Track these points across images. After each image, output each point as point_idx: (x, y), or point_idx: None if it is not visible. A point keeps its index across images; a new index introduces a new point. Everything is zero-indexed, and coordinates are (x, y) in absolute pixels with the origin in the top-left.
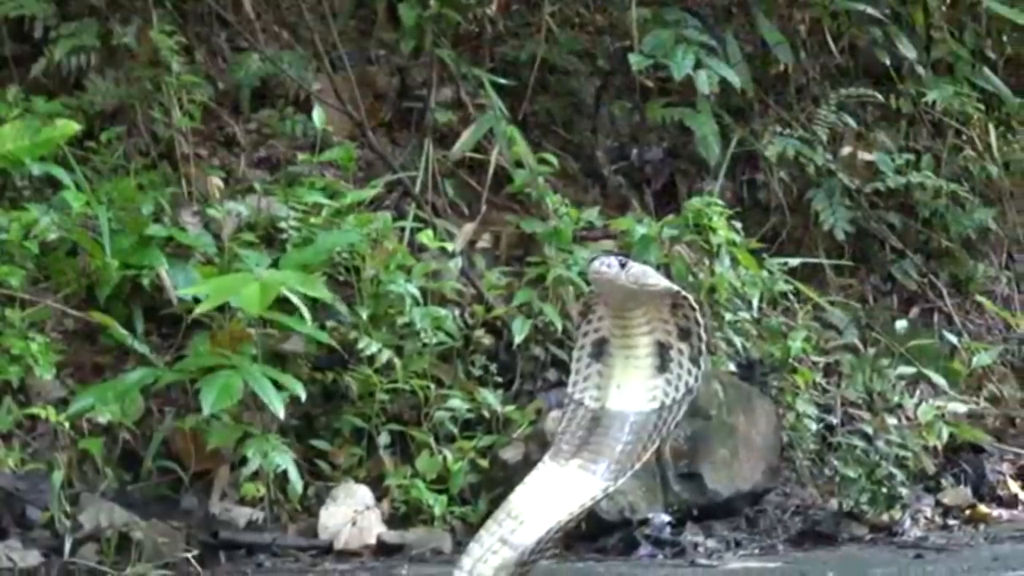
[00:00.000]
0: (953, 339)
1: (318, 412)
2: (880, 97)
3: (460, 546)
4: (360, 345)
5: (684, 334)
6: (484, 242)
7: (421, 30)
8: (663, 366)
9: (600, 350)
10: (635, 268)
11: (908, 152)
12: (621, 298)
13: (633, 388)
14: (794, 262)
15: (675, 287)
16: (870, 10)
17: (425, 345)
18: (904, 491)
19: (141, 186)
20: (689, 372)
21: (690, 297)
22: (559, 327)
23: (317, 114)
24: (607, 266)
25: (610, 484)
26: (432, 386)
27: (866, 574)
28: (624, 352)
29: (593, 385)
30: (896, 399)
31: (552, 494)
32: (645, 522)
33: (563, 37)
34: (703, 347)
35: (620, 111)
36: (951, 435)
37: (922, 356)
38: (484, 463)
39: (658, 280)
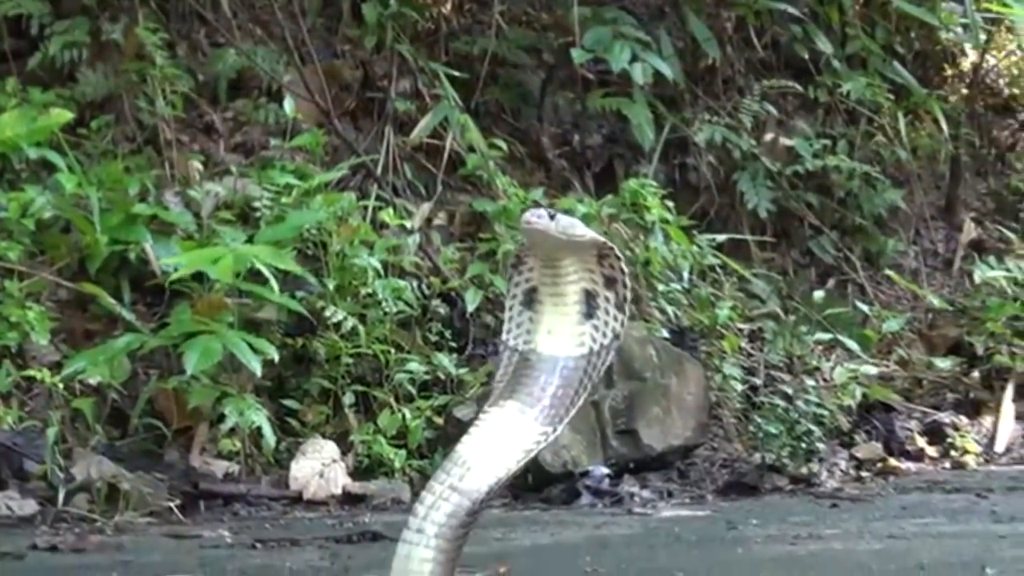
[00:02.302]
0: (865, 308)
1: (289, 374)
2: (799, 88)
3: (418, 496)
4: (327, 313)
5: (610, 283)
6: (440, 220)
7: (382, 27)
8: (590, 313)
9: (531, 299)
10: (563, 219)
11: (825, 138)
12: (550, 248)
13: (563, 334)
14: (721, 238)
15: (600, 238)
16: (790, 9)
17: (386, 313)
18: (821, 446)
19: (128, 169)
20: (615, 319)
21: (615, 247)
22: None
23: (288, 103)
24: (537, 217)
25: (549, 430)
26: (392, 351)
27: (786, 521)
28: (553, 300)
29: (525, 331)
30: (814, 362)
31: (496, 441)
32: (586, 474)
33: (512, 33)
34: (627, 294)
35: (563, 101)
36: (864, 395)
37: (837, 323)
38: (440, 421)
39: (585, 231)
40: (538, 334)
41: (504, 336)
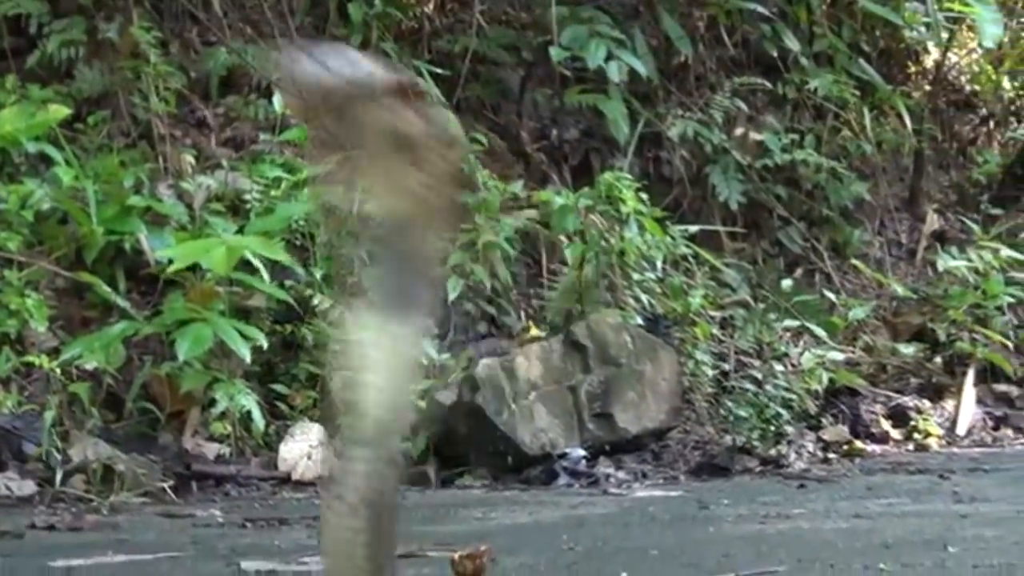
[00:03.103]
0: (832, 296)
1: (278, 360)
2: (769, 84)
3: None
4: (315, 301)
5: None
6: None
7: (368, 26)
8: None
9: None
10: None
11: (793, 133)
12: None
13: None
14: (693, 229)
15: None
16: (760, 8)
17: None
18: (789, 429)
19: (123, 163)
20: None
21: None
22: (488, 285)
23: (276, 100)
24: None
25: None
26: None
27: (756, 501)
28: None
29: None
30: (782, 348)
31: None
32: (563, 456)
33: (492, 32)
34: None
35: (542, 97)
36: (830, 380)
37: (805, 311)
38: (423, 404)
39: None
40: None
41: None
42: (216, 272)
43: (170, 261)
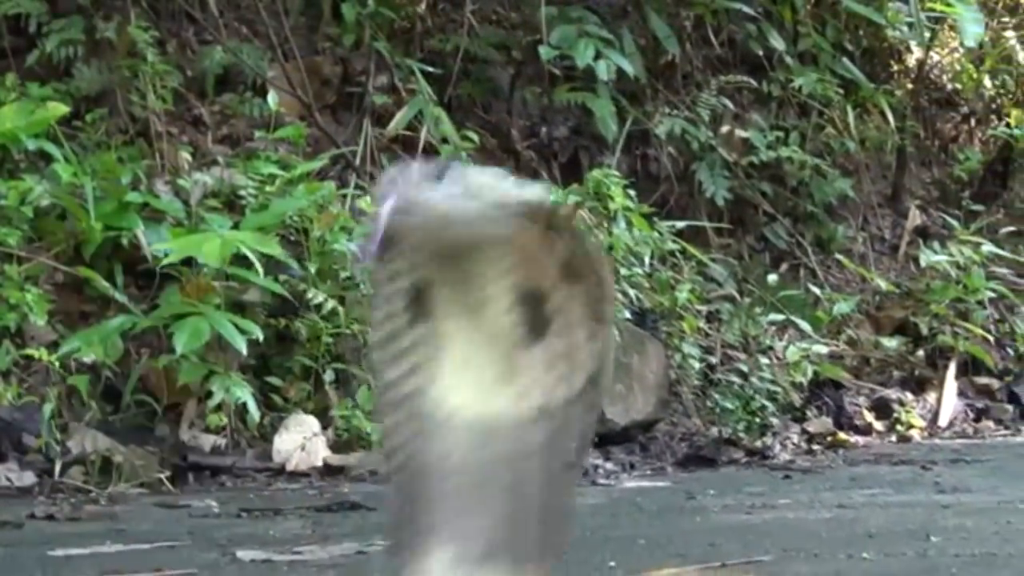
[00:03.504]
0: (817, 291)
1: (272, 353)
2: (754, 83)
3: None
4: (309, 295)
5: (572, 274)
6: None
7: (361, 26)
8: (539, 331)
9: (421, 306)
10: (466, 175)
11: (778, 130)
12: (452, 236)
13: (486, 372)
14: (680, 225)
15: (543, 197)
16: (746, 8)
17: (364, 295)
18: (775, 421)
19: (121, 159)
20: (593, 336)
21: (575, 207)
22: None
23: (271, 98)
24: (408, 183)
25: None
26: (370, 330)
27: (742, 492)
28: (462, 310)
29: (417, 369)
30: (768, 342)
31: None
32: None
33: (483, 32)
34: (607, 291)
35: (531, 95)
36: (815, 373)
37: (790, 305)
38: None
39: (510, 192)
40: (443, 377)
41: (386, 373)
42: (211, 265)
43: (166, 255)
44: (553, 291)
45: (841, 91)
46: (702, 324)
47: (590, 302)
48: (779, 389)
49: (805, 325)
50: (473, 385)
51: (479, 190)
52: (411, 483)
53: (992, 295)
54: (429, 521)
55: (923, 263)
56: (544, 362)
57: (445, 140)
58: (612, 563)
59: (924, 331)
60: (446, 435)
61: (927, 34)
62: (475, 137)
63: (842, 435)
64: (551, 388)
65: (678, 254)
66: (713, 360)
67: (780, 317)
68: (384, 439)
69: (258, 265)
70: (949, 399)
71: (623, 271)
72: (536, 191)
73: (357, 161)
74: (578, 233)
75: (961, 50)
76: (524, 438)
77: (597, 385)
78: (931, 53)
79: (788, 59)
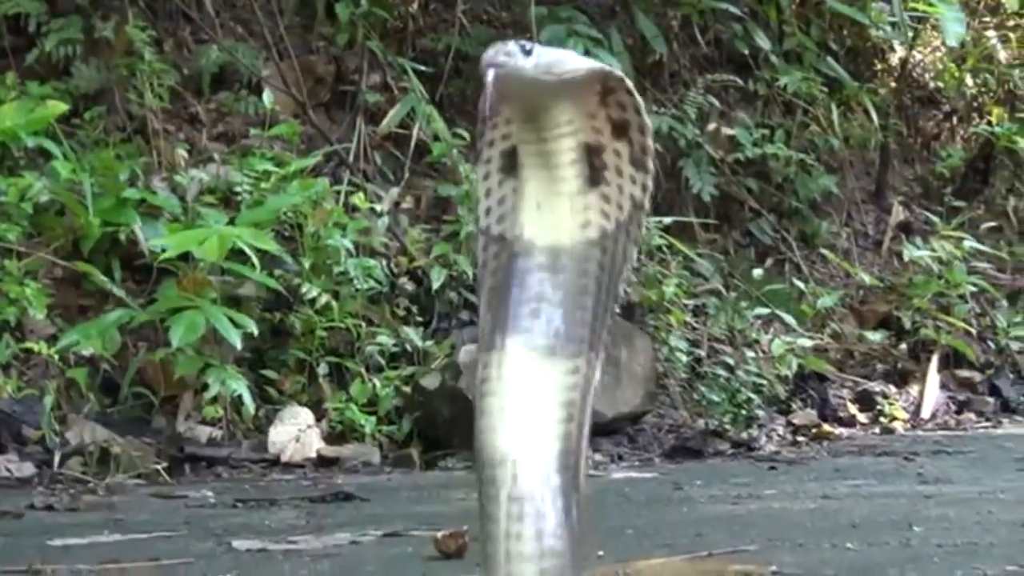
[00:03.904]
0: (801, 285)
1: (267, 346)
2: (740, 81)
3: (387, 459)
4: (303, 290)
5: (620, 130)
6: (407, 203)
7: (354, 25)
8: (595, 177)
9: (511, 163)
10: (546, 53)
11: (763, 128)
12: (531, 95)
13: (559, 210)
14: (668, 220)
15: (604, 66)
16: (732, 8)
17: (357, 290)
18: (760, 413)
19: (118, 157)
20: (633, 180)
21: (626, 79)
22: (470, 275)
23: (266, 96)
24: (506, 54)
25: (578, 363)
26: (363, 325)
27: (728, 483)
28: (540, 162)
29: (508, 210)
30: (753, 335)
31: (521, 408)
32: None
33: (474, 31)
34: (648, 143)
35: None
36: (799, 366)
37: (775, 299)
38: (407, 389)
39: (579, 63)
40: (525, 213)
41: (482, 223)
42: (208, 260)
43: (163, 250)
44: (606, 146)
45: (825, 89)
46: (689, 318)
47: (635, 154)
48: (764, 382)
49: (790, 319)
50: (546, 222)
51: (557, 62)
52: (495, 297)
53: (973, 290)
54: (507, 324)
55: (906, 258)
56: (599, 202)
57: (437, 137)
58: (601, 552)
59: (907, 325)
60: (525, 259)
61: (910, 33)
62: (466, 134)
63: (826, 427)
64: (604, 221)
65: (665, 249)
66: (700, 353)
67: (765, 311)
68: (478, 267)
69: (255, 260)
70: (931, 392)
71: None
72: (596, 63)
73: (350, 158)
74: (627, 98)
75: (943, 49)
76: (583, 260)
77: (639, 220)
78: (914, 52)
79: (773, 58)
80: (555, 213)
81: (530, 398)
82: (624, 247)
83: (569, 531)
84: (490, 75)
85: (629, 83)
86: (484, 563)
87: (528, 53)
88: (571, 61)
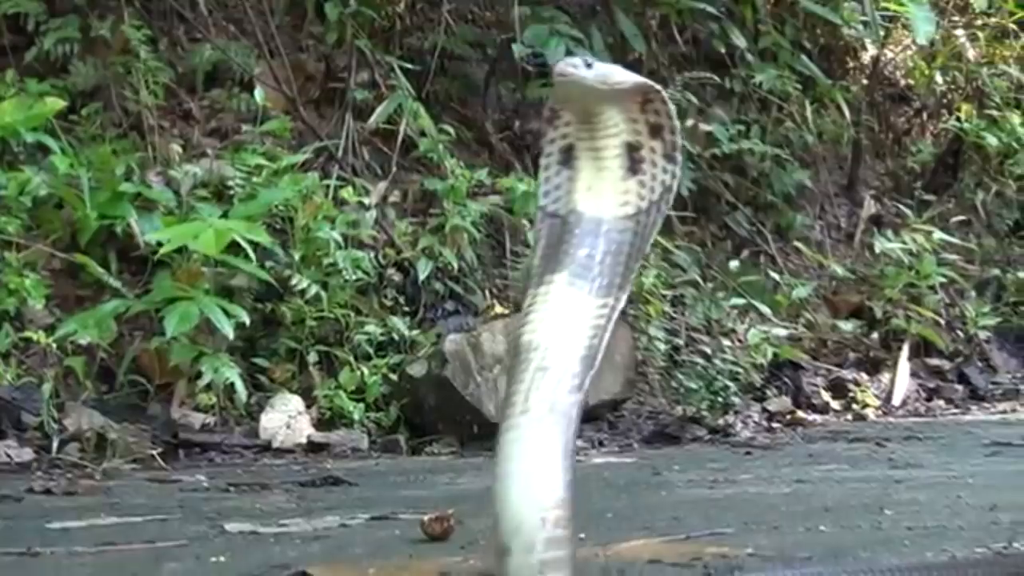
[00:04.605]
0: (776, 276)
1: (259, 336)
2: (717, 79)
3: (374, 445)
4: (293, 281)
5: (655, 131)
6: (394, 197)
7: (343, 24)
8: (634, 168)
9: (567, 157)
10: (601, 67)
11: (740, 124)
12: (587, 100)
13: (605, 192)
14: None
15: (646, 80)
16: (709, 8)
17: (346, 281)
18: (736, 400)
19: (115, 152)
20: (664, 170)
21: (662, 91)
22: (455, 266)
23: (258, 93)
24: (572, 66)
25: (609, 301)
26: (352, 314)
27: (705, 467)
28: (592, 156)
29: (564, 193)
30: (730, 325)
31: (559, 321)
32: None
33: (459, 30)
34: (677, 141)
35: (505, 90)
36: (774, 354)
37: (751, 290)
38: (394, 377)
39: (625, 76)
40: (577, 194)
41: (541, 202)
42: (207, 254)
43: (159, 243)
44: (644, 143)
45: (800, 87)
46: (667, 308)
47: (667, 150)
48: (740, 370)
49: (765, 309)
50: (594, 201)
51: (610, 74)
52: (549, 254)
53: (943, 280)
54: (557, 271)
55: (877, 250)
56: (636, 187)
57: (423, 133)
58: (582, 535)
59: (878, 315)
60: (576, 227)
61: (881, 32)
62: (451, 130)
63: (800, 413)
64: (639, 202)
65: None
66: (678, 342)
67: (741, 301)
68: (535, 234)
69: (251, 253)
70: (902, 379)
71: None
72: (640, 78)
73: (339, 153)
74: (662, 106)
75: (913, 48)
76: (620, 229)
77: (668, 199)
78: (885, 50)
79: (749, 56)
80: (601, 194)
81: (567, 317)
82: (654, 219)
83: (580, 395)
84: (559, 82)
85: (665, 94)
86: (503, 415)
87: (589, 66)
88: (620, 74)
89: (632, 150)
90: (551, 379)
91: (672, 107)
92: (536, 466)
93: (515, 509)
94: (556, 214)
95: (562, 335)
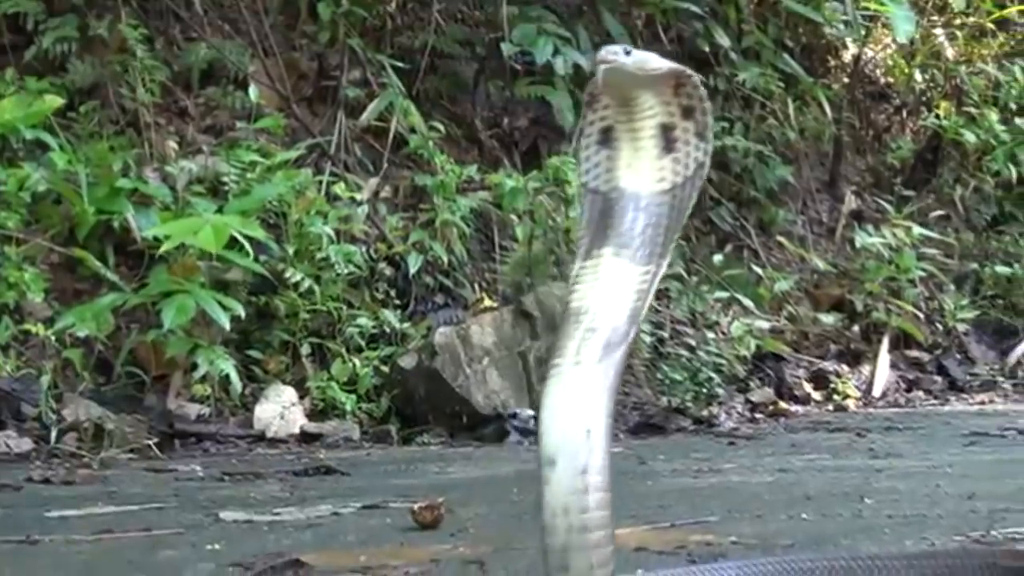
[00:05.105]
0: (759, 270)
1: (253, 328)
2: (701, 77)
3: (366, 435)
4: (287, 275)
5: (687, 112)
6: (385, 193)
7: (335, 24)
8: (669, 146)
9: (606, 137)
10: (638, 54)
11: (723, 121)
12: (626, 85)
13: (642, 170)
14: None
15: (679, 66)
16: (693, 8)
17: (338, 275)
18: (720, 391)
19: (112, 148)
20: (697, 147)
21: (694, 75)
22: (445, 260)
23: (252, 91)
24: (613, 54)
25: (651, 267)
26: (344, 307)
27: (690, 457)
28: (630, 137)
29: (604, 170)
30: (714, 318)
31: (605, 287)
32: (514, 416)
33: (449, 29)
34: (708, 121)
35: (494, 88)
36: (757, 346)
37: (734, 283)
38: (385, 369)
39: (660, 63)
40: (617, 171)
41: (583, 179)
42: (207, 250)
43: (156, 239)
44: (678, 124)
45: (782, 84)
46: (652, 301)
47: (699, 129)
48: (724, 361)
49: (748, 302)
50: (633, 178)
51: (647, 60)
52: (593, 226)
53: (922, 274)
54: (603, 242)
55: (858, 244)
56: (671, 164)
57: (413, 130)
58: None
59: (859, 308)
60: (617, 203)
61: (862, 31)
62: (441, 127)
63: (783, 404)
64: (675, 177)
65: None
66: (663, 335)
67: (725, 294)
68: (580, 209)
69: (248, 247)
70: (882, 371)
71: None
72: (674, 64)
73: (332, 150)
74: (693, 90)
75: (893, 46)
76: (658, 204)
77: (701, 174)
78: (866, 49)
79: (733, 55)
80: (640, 172)
81: (614, 284)
82: (689, 192)
83: (627, 345)
84: (601, 69)
85: (696, 78)
86: (551, 372)
87: (628, 54)
88: (656, 61)
89: (666, 130)
90: (600, 337)
91: (703, 90)
92: (583, 390)
93: (562, 424)
94: (598, 190)
95: (609, 300)
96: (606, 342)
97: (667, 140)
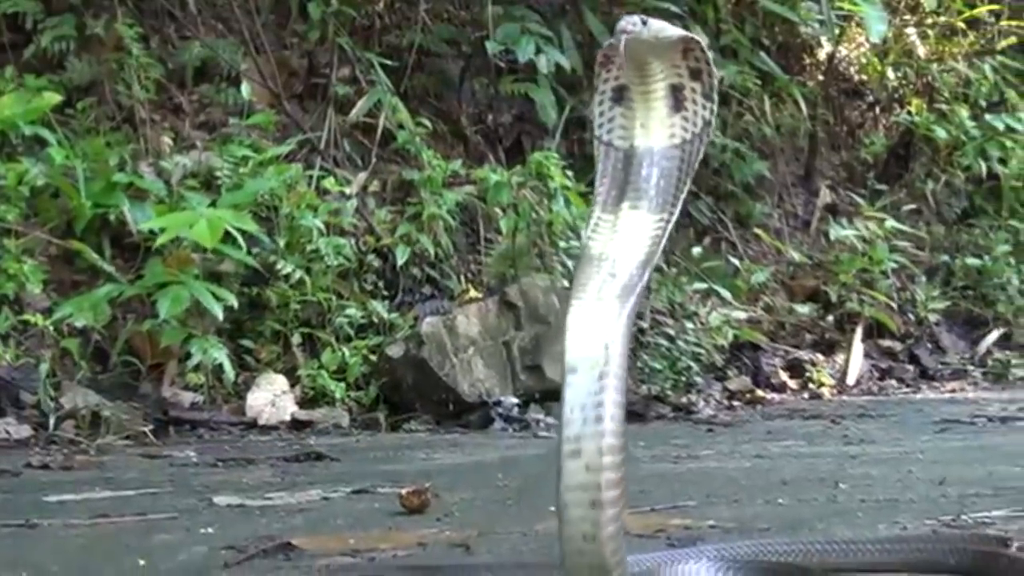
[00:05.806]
0: (736, 262)
1: (245, 318)
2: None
3: (355, 422)
4: (278, 266)
5: (695, 74)
6: (374, 187)
7: (325, 23)
8: (678, 106)
9: (620, 95)
10: (654, 23)
11: None
12: (643, 51)
13: (654, 128)
14: None
15: (688, 33)
16: (672, 7)
17: (328, 267)
18: (699, 379)
19: (108, 144)
20: (704, 107)
21: (701, 41)
22: (432, 252)
23: (244, 88)
24: (632, 24)
25: (665, 216)
26: (334, 298)
27: (669, 444)
28: (643, 97)
29: (619, 127)
30: (692, 308)
31: (623, 236)
32: (499, 404)
33: (435, 28)
34: (714, 82)
35: (479, 86)
36: (735, 336)
37: (712, 275)
38: (374, 358)
39: (674, 31)
40: (632, 129)
41: (597, 132)
42: (202, 243)
43: (151, 232)
44: (686, 85)
45: (759, 82)
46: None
47: (705, 90)
48: (703, 351)
49: (726, 293)
50: (646, 135)
51: (662, 29)
52: (610, 177)
53: (895, 266)
54: (619, 194)
55: (832, 237)
56: (681, 122)
57: (401, 126)
58: (552, 508)
59: (833, 298)
60: (630, 157)
61: (836, 30)
62: (428, 123)
63: (759, 392)
64: (684, 134)
65: None
66: (643, 324)
67: (703, 286)
68: (597, 163)
69: (242, 241)
70: (856, 360)
71: (562, 244)
72: (684, 31)
73: (322, 145)
74: (700, 54)
75: (867, 45)
76: (669, 158)
77: (707, 131)
78: (840, 48)
79: (711, 53)
80: (652, 130)
81: (630, 231)
82: (697, 147)
83: (644, 281)
84: (622, 38)
85: (703, 43)
86: (568, 310)
87: (645, 24)
88: (669, 29)
89: (676, 91)
90: (619, 280)
91: (709, 54)
92: (603, 315)
93: (582, 340)
94: (612, 144)
95: (626, 245)
96: (624, 284)
97: (676, 100)
